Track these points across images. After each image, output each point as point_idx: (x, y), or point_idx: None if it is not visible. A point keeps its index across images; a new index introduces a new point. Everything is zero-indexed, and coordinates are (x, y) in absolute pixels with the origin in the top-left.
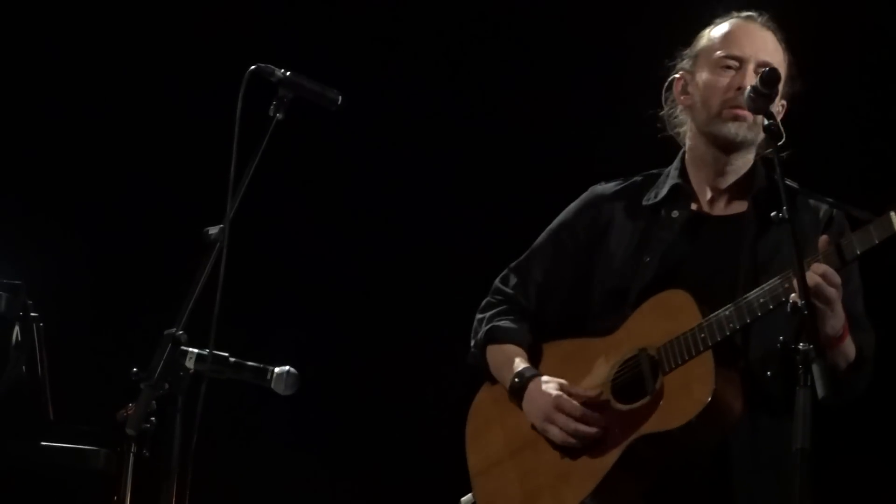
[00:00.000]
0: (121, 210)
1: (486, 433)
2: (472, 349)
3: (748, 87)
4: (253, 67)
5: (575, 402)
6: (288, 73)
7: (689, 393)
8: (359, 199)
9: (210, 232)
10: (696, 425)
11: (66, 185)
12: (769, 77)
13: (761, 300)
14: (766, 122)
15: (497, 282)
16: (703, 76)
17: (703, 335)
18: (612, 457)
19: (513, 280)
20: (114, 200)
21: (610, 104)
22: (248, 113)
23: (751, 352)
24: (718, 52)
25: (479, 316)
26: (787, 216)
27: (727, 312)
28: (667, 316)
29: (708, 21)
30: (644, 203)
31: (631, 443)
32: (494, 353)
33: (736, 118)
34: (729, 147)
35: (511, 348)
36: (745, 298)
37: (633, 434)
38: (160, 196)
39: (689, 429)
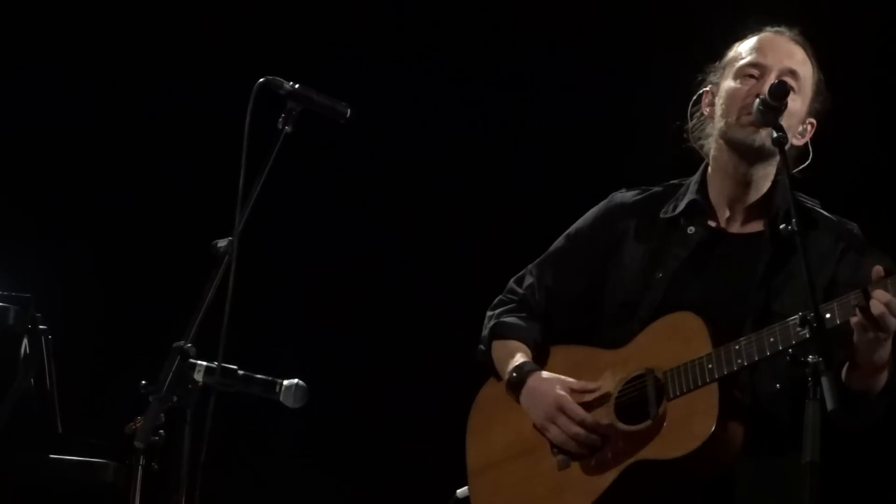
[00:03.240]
0: (130, 223)
1: (487, 430)
2: (480, 345)
3: (758, 100)
4: (262, 80)
5: (578, 408)
6: (297, 86)
7: (689, 425)
8: (368, 211)
9: (219, 245)
10: (692, 459)
11: (75, 199)
12: (778, 90)
13: (771, 339)
14: (774, 134)
15: (512, 282)
16: (725, 85)
17: (710, 366)
18: (609, 477)
19: (527, 281)
20: (123, 213)
21: (634, 109)
22: (257, 126)
23: (758, 386)
24: (742, 62)
25: (489, 313)
26: (796, 228)
27: (737, 347)
28: (678, 339)
29: (739, 36)
30: (662, 216)
31: (628, 466)
32: (499, 348)
33: (753, 124)
34: (748, 154)
35: (515, 344)
36: (759, 335)
37: (631, 457)
38: (169, 209)
39: (685, 461)
